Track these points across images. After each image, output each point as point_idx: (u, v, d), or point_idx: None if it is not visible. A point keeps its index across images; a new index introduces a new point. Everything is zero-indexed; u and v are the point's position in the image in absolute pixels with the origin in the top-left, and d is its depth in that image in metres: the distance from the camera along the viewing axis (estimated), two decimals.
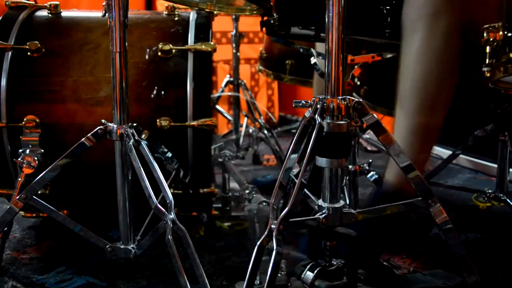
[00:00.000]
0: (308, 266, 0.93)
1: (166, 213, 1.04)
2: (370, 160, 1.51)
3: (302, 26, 1.29)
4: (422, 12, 1.16)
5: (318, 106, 0.89)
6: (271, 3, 1.29)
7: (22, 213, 1.49)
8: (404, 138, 1.24)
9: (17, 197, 1.11)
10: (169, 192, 1.08)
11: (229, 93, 2.28)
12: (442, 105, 1.23)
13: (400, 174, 1.23)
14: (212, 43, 1.39)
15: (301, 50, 1.42)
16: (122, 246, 1.12)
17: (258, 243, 0.89)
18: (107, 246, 1.12)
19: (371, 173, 1.50)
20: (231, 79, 2.23)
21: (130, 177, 1.11)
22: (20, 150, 1.28)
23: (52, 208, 1.13)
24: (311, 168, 0.89)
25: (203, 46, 1.39)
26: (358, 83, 2.01)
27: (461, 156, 1.94)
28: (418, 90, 1.19)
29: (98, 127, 1.10)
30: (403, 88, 1.22)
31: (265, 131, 2.25)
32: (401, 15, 1.19)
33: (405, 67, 1.21)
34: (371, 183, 1.53)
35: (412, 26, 1.17)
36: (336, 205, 0.91)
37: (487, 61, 0.96)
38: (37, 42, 1.35)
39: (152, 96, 1.35)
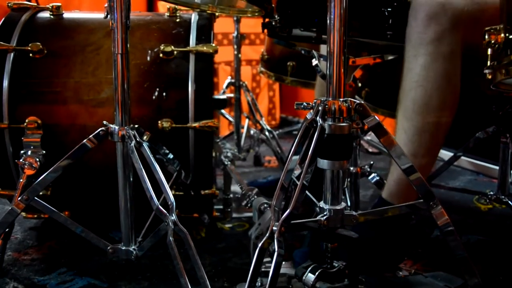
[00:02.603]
0: (310, 268, 0.93)
1: (168, 214, 1.05)
2: (372, 162, 1.51)
3: (304, 28, 1.29)
4: (424, 37, 1.16)
5: (320, 108, 0.89)
6: (273, 5, 1.30)
7: (23, 214, 1.49)
8: (406, 146, 1.24)
9: (19, 198, 1.11)
10: (170, 193, 1.08)
11: (230, 95, 2.28)
12: (442, 131, 1.23)
13: (395, 191, 1.24)
14: (213, 45, 1.40)
15: (303, 51, 1.42)
16: (124, 248, 1.12)
17: (260, 244, 0.89)
18: (109, 248, 1.12)
19: (373, 175, 1.50)
20: (233, 80, 2.23)
21: (131, 179, 1.12)
22: (22, 151, 1.29)
23: (54, 209, 1.13)
24: (313, 170, 0.89)
25: (205, 48, 1.39)
26: (360, 85, 2.01)
27: (462, 158, 1.94)
28: (418, 116, 1.20)
29: (100, 129, 1.10)
30: (405, 110, 1.23)
31: (267, 133, 2.25)
32: (404, 16, 1.19)
33: (407, 91, 1.22)
34: (373, 185, 1.53)
35: (414, 51, 1.19)
36: (338, 207, 0.91)
37: (488, 63, 0.96)
38: (39, 43, 1.35)
39: (154, 97, 1.35)
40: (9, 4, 1.47)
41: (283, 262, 0.88)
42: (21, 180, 1.24)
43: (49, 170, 1.11)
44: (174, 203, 1.06)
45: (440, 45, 1.16)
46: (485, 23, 0.98)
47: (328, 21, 0.87)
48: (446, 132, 1.24)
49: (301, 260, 1.12)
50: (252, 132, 2.35)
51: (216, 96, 2.05)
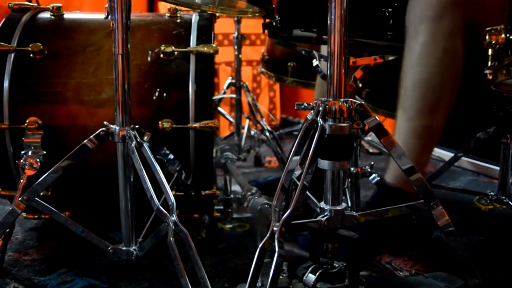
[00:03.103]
0: (310, 269, 0.93)
1: (168, 215, 1.05)
2: (372, 162, 1.51)
3: (304, 28, 1.29)
4: (424, 15, 1.16)
5: (320, 108, 0.89)
6: (273, 6, 1.30)
7: (24, 214, 1.49)
8: (405, 140, 1.23)
9: (19, 199, 1.11)
10: (171, 194, 1.08)
11: (231, 95, 2.28)
12: (443, 108, 1.22)
13: (400, 175, 1.23)
14: (214, 45, 1.40)
15: (303, 52, 1.42)
16: (124, 248, 1.12)
17: (260, 245, 0.89)
18: (109, 248, 1.12)
19: (373, 175, 1.50)
20: (233, 81, 2.23)
21: (132, 179, 1.12)
22: (22, 152, 1.29)
23: (54, 209, 1.14)
24: (313, 170, 0.89)
25: (205, 48, 1.39)
26: (360, 85, 2.01)
27: (463, 158, 1.94)
28: (420, 93, 1.19)
29: (100, 129, 1.10)
30: (405, 90, 1.22)
31: (267, 133, 2.25)
32: (404, 19, 1.19)
33: (407, 70, 1.21)
34: (373, 185, 1.52)
35: (415, 30, 1.17)
36: (338, 208, 0.91)
37: (489, 63, 0.96)
38: (39, 44, 1.35)
39: (154, 98, 1.35)
40: (9, 5, 1.47)
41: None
42: (22, 180, 1.24)
43: (50, 171, 1.11)
44: (175, 204, 1.06)
45: (440, 23, 1.15)
46: (485, 2, 0.97)
47: (328, 22, 0.87)
48: (447, 114, 1.22)
49: (305, 245, 1.11)
50: (252, 132, 2.35)
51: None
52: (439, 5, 1.15)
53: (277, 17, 1.30)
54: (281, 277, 0.97)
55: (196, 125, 1.35)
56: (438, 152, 2.38)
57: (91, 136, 1.10)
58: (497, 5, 0.95)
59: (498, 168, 1.55)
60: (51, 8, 1.46)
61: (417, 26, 1.16)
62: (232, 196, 1.68)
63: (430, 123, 1.22)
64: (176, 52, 1.38)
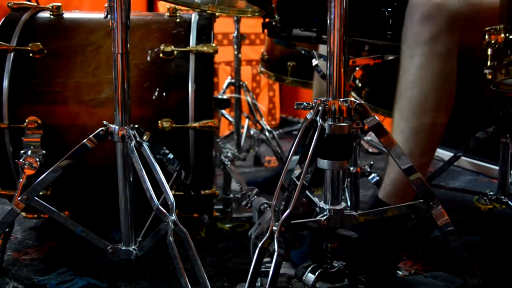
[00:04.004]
0: (310, 268, 0.93)
1: (168, 214, 1.05)
2: (372, 162, 1.51)
3: (304, 28, 1.29)
4: (420, 37, 1.16)
5: (320, 108, 0.89)
6: (273, 5, 1.29)
7: (23, 214, 1.49)
8: (402, 146, 1.24)
9: (19, 198, 1.11)
10: (170, 193, 1.08)
11: (231, 95, 2.28)
12: (436, 132, 1.23)
13: (392, 193, 1.24)
14: (213, 45, 1.40)
15: (303, 52, 1.42)
16: (124, 248, 1.12)
17: (260, 244, 0.89)
18: (109, 248, 1.12)
19: (373, 175, 1.50)
20: (233, 80, 2.23)
21: (131, 179, 1.12)
22: (22, 151, 1.29)
23: (54, 209, 1.13)
24: (313, 170, 0.89)
25: (205, 48, 1.39)
26: (360, 85, 2.01)
27: (462, 158, 1.94)
28: (413, 116, 1.20)
29: (100, 129, 1.10)
30: (399, 112, 1.23)
31: (267, 133, 2.25)
32: (403, 16, 1.19)
33: (401, 92, 1.22)
34: (373, 185, 1.53)
35: (410, 52, 1.19)
36: (338, 207, 0.91)
37: (488, 63, 0.96)
38: (39, 43, 1.35)
39: (154, 97, 1.35)
40: (9, 4, 1.47)
41: (283, 262, 0.88)
42: (21, 180, 1.24)
43: (49, 170, 1.11)
44: (174, 203, 1.06)
45: (436, 46, 1.16)
46: (481, 24, 0.98)
47: (328, 21, 0.87)
48: (442, 133, 1.24)
49: (298, 260, 1.12)
50: (252, 132, 2.35)
51: (219, 96, 2.06)
52: (435, 27, 1.15)
53: (276, 16, 1.30)
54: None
55: (196, 124, 1.35)
56: (437, 152, 2.38)
57: (91, 136, 1.10)
58: (492, 22, 0.95)
59: (497, 167, 1.55)
60: (50, 7, 1.46)
61: (413, 48, 1.18)
62: (231, 195, 1.68)
63: (425, 143, 1.23)
64: (175, 52, 1.38)
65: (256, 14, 1.41)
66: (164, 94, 1.36)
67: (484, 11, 1.17)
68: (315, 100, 0.90)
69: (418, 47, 1.17)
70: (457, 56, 1.19)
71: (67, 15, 1.48)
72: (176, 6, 1.48)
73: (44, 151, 1.29)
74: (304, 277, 0.93)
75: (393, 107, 1.25)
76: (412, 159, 1.16)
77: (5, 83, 1.33)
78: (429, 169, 1.54)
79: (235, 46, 2.17)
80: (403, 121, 1.21)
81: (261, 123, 2.28)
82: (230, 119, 2.43)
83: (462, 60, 1.20)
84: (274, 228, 0.88)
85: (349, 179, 1.40)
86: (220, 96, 2.11)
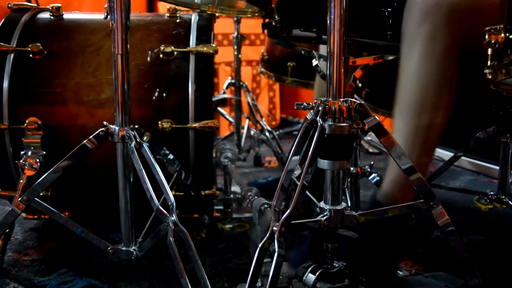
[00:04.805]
0: (310, 268, 0.93)
1: (168, 215, 1.04)
2: (372, 162, 1.51)
3: (304, 28, 1.29)
4: (419, 34, 1.16)
5: (320, 108, 0.89)
6: (273, 5, 1.29)
7: (23, 215, 1.49)
8: (402, 144, 1.23)
9: (19, 199, 1.11)
10: (170, 194, 1.08)
11: (231, 96, 2.28)
12: (436, 130, 1.23)
13: (391, 193, 1.24)
14: (213, 45, 1.40)
15: (303, 52, 1.42)
16: (124, 248, 1.12)
17: (260, 245, 0.89)
18: (109, 248, 1.12)
19: (373, 175, 1.50)
20: (233, 81, 2.23)
21: (131, 179, 1.12)
22: (22, 152, 1.29)
23: (54, 210, 1.13)
24: (313, 170, 0.89)
25: (205, 48, 1.39)
26: (360, 85, 2.01)
27: (462, 158, 1.94)
28: (413, 114, 1.20)
29: (100, 129, 1.10)
30: (402, 100, 1.22)
31: (267, 133, 2.25)
32: (403, 16, 1.19)
33: (403, 88, 1.21)
34: (373, 185, 1.52)
35: (410, 48, 1.18)
36: (338, 207, 0.91)
37: (488, 63, 0.96)
38: (39, 44, 1.35)
39: (154, 98, 1.35)
40: (9, 5, 1.47)
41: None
42: (21, 181, 1.24)
43: (49, 171, 1.11)
44: (174, 204, 1.06)
45: (435, 42, 1.15)
46: (480, 21, 0.97)
47: (328, 21, 0.87)
48: (442, 131, 1.23)
49: (295, 260, 1.12)
50: (252, 132, 2.35)
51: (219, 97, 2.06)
52: (434, 23, 1.15)
53: (276, 17, 1.30)
54: (280, 277, 0.97)
55: (196, 125, 1.35)
56: (438, 151, 2.38)
57: (91, 136, 1.10)
58: (491, 19, 0.95)
59: (498, 167, 1.55)
60: (50, 8, 1.46)
61: (412, 45, 1.17)
62: (232, 196, 1.68)
63: (425, 142, 1.22)
64: (175, 52, 1.38)
65: (256, 14, 1.41)
66: (164, 94, 1.36)
67: (483, 7, 1.16)
68: (315, 100, 0.90)
69: (417, 44, 1.17)
70: (457, 53, 1.19)
71: (67, 16, 1.48)
72: (176, 7, 1.48)
73: (44, 152, 1.29)
74: (304, 278, 0.93)
75: (393, 106, 1.25)
76: (412, 158, 1.16)
77: (5, 84, 1.33)
78: (429, 169, 1.54)
79: (235, 47, 2.17)
80: (403, 119, 1.21)
81: (261, 123, 2.28)
82: (230, 119, 2.43)
83: (461, 56, 1.20)
84: (274, 228, 0.87)
85: (349, 179, 1.40)
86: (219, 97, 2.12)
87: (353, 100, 0.90)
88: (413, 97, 1.19)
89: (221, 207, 1.67)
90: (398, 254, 1.29)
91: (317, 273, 0.92)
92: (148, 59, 1.38)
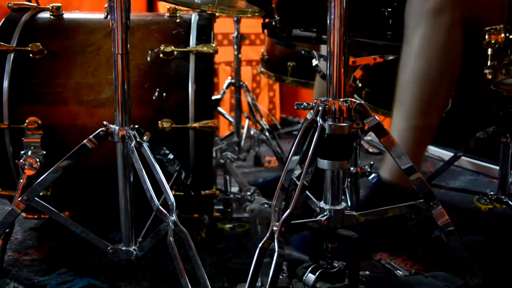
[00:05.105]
0: (310, 268, 0.93)
1: (168, 214, 1.05)
2: (372, 162, 1.51)
3: (304, 28, 1.29)
4: (424, 9, 1.16)
5: (320, 108, 0.89)
6: (273, 5, 1.30)
7: (23, 214, 1.49)
8: (401, 135, 1.23)
9: (19, 199, 1.11)
10: (170, 193, 1.08)
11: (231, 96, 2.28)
12: (439, 105, 1.23)
13: (396, 170, 1.23)
14: (213, 45, 1.40)
15: (303, 52, 1.43)
16: (124, 248, 1.12)
17: (260, 245, 0.89)
18: (109, 248, 1.12)
19: (373, 175, 1.50)
20: (233, 80, 2.23)
21: (131, 179, 1.12)
22: (22, 152, 1.29)
23: (54, 209, 1.13)
24: (313, 170, 0.89)
25: (205, 48, 1.39)
26: (360, 85, 2.01)
27: (462, 158, 1.94)
28: (419, 85, 1.19)
29: (100, 129, 1.10)
30: (404, 83, 1.22)
31: (267, 133, 2.25)
32: (403, 16, 1.19)
33: (406, 63, 1.21)
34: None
35: (414, 23, 1.18)
36: (338, 207, 0.91)
37: (488, 63, 0.96)
38: (39, 44, 1.35)
39: (154, 98, 1.35)
40: (9, 5, 1.47)
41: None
42: (21, 180, 1.24)
43: (49, 171, 1.11)
44: (174, 204, 1.06)
45: (440, 17, 1.15)
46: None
47: (328, 21, 0.87)
48: (445, 105, 1.23)
49: (299, 244, 1.11)
50: (252, 132, 2.35)
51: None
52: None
53: (276, 16, 1.30)
54: (281, 277, 0.97)
55: (196, 125, 1.35)
56: (438, 151, 2.38)
57: (91, 136, 1.10)
58: (495, 1, 0.95)
59: (497, 167, 1.55)
60: (50, 8, 1.46)
61: (417, 20, 1.17)
62: (231, 196, 1.68)
63: (427, 117, 1.22)
64: (175, 52, 1.38)
65: (256, 14, 1.41)
66: (164, 94, 1.36)
67: None
68: (315, 100, 0.90)
69: (422, 18, 1.16)
70: (462, 27, 1.18)
71: (67, 15, 1.48)
72: (176, 7, 1.48)
73: (44, 152, 1.29)
74: (304, 277, 0.93)
75: (395, 81, 1.24)
76: (415, 134, 1.15)
77: (5, 83, 1.33)
78: (429, 169, 1.54)
79: (235, 47, 2.17)
80: (406, 93, 1.20)
81: (261, 123, 2.28)
82: (230, 119, 2.44)
83: (465, 57, 1.20)
84: (274, 228, 0.88)
85: (349, 179, 1.40)
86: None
87: (353, 100, 0.90)
88: (418, 69, 1.18)
89: (221, 207, 1.67)
90: (374, 241, 1.28)
91: (317, 273, 0.92)
92: (148, 58, 1.38)
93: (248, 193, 1.45)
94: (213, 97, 2.11)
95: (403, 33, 1.21)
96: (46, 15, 1.47)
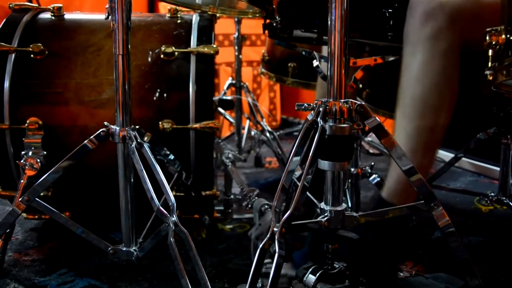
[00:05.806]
0: (310, 269, 0.93)
1: (168, 215, 1.04)
2: (372, 163, 1.51)
3: (305, 29, 1.29)
4: (422, 34, 1.16)
5: (321, 109, 0.89)
6: (274, 6, 1.30)
7: (24, 215, 1.49)
8: (405, 144, 1.24)
9: (20, 199, 1.11)
10: (171, 194, 1.08)
11: (231, 97, 2.28)
12: (440, 129, 1.23)
13: (392, 189, 1.24)
14: (214, 46, 1.40)
15: (304, 53, 1.43)
16: (124, 248, 1.12)
17: (261, 245, 0.89)
18: (109, 248, 1.12)
19: (373, 176, 1.50)
20: (233, 81, 2.23)
21: (132, 179, 1.12)
22: (23, 152, 1.29)
23: (54, 210, 1.14)
24: (313, 171, 0.89)
25: (206, 49, 1.39)
26: (361, 86, 2.01)
27: (463, 159, 1.94)
28: (416, 112, 1.20)
29: (101, 129, 1.10)
30: (404, 107, 1.23)
31: (267, 134, 2.25)
32: (404, 17, 1.20)
33: (406, 88, 1.22)
34: (373, 186, 1.52)
35: (412, 49, 1.19)
36: (338, 208, 0.91)
37: (489, 64, 0.96)
38: (40, 44, 1.35)
39: (155, 98, 1.35)
40: (10, 5, 1.47)
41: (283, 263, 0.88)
42: (22, 181, 1.24)
43: (50, 171, 1.11)
44: (175, 204, 1.06)
45: (438, 42, 1.16)
46: (483, 20, 0.97)
47: (329, 22, 0.87)
48: (445, 131, 1.23)
49: (301, 261, 1.12)
50: (253, 133, 2.35)
51: (224, 97, 2.06)
52: (437, 23, 1.15)
53: (277, 17, 1.30)
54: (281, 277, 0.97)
55: (197, 125, 1.35)
56: (438, 152, 2.37)
57: (92, 137, 1.10)
58: (493, 22, 0.95)
59: (498, 168, 1.55)
60: (51, 8, 1.46)
61: (416, 44, 1.18)
62: (232, 196, 1.68)
63: (428, 141, 1.23)
64: (176, 53, 1.38)
65: (257, 15, 1.41)
66: (165, 95, 1.36)
67: (486, 7, 1.17)
68: (316, 101, 0.90)
69: (420, 44, 1.17)
70: (459, 52, 1.19)
71: (68, 16, 1.48)
72: (177, 7, 1.48)
73: (45, 152, 1.29)
74: (305, 278, 0.93)
75: (396, 106, 1.25)
76: (415, 158, 1.16)
77: (6, 84, 1.33)
78: (430, 170, 1.54)
79: (236, 47, 2.17)
80: (406, 119, 1.21)
81: (262, 124, 2.28)
82: (231, 120, 2.44)
83: (463, 57, 1.20)
84: (275, 229, 0.87)
85: (350, 180, 1.40)
86: (224, 97, 2.11)
87: (354, 101, 0.90)
88: (417, 96, 1.19)
89: (222, 208, 1.67)
90: (399, 255, 1.29)
91: (318, 274, 0.92)
92: (149, 59, 1.38)
93: (249, 194, 1.44)
94: (224, 97, 2.12)
95: (402, 52, 1.21)
96: (47, 15, 1.47)
